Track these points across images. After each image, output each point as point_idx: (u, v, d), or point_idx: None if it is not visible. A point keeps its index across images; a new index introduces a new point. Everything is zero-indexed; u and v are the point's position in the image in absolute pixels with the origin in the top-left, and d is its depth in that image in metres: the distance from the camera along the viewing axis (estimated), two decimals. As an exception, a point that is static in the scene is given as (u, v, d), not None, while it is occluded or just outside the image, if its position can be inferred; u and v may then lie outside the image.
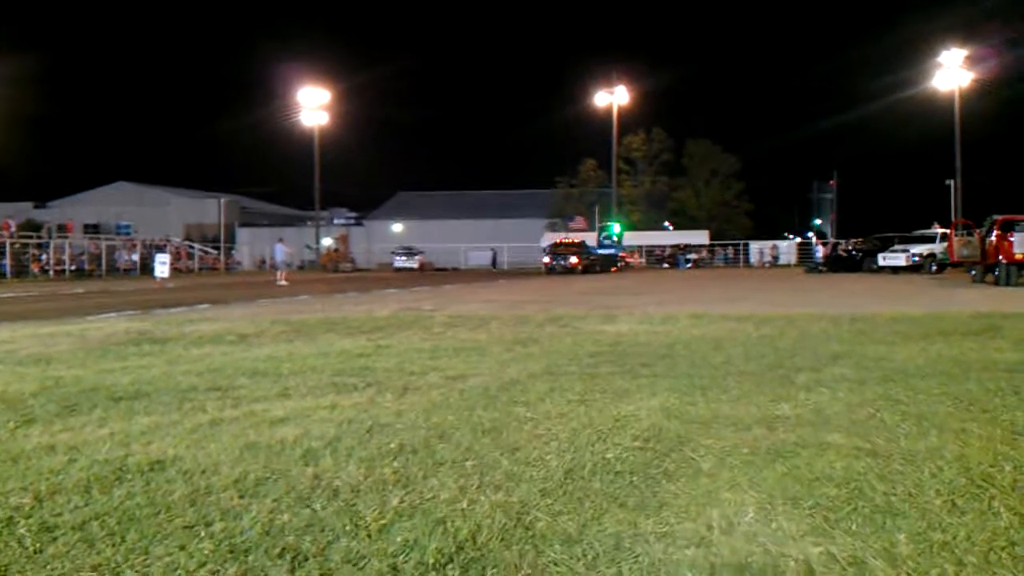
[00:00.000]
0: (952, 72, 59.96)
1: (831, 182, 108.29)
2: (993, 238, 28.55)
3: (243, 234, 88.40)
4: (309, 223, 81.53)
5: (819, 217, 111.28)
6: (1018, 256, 27.44)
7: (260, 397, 6.82)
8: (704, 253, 75.39)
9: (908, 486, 4.15)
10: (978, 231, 31.59)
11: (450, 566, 3.27)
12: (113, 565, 3.29)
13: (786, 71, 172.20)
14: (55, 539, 3.56)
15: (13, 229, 58.86)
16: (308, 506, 3.94)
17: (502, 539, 3.52)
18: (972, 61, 60.05)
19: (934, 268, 40.95)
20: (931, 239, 44.25)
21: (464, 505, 3.93)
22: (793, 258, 71.25)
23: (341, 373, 8.08)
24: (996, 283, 27.34)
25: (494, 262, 74.44)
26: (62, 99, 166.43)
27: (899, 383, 7.16)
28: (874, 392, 6.74)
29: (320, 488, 4.22)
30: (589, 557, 3.33)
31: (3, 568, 3.29)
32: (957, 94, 59.35)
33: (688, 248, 74.27)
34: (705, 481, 4.29)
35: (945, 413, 5.90)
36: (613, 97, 72.10)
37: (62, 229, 67.34)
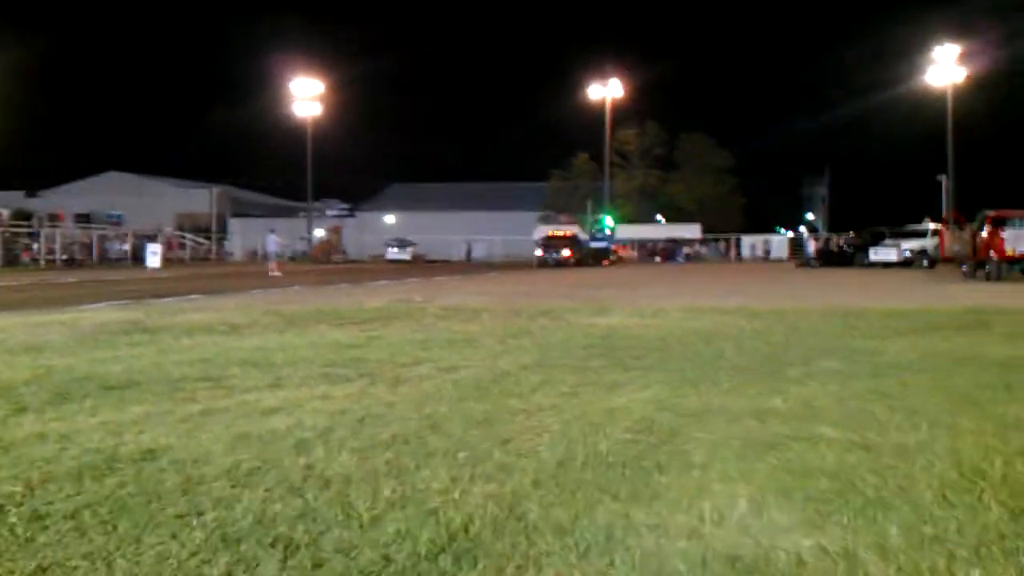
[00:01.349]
0: (946, 68, 60.02)
1: (823, 177, 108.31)
2: (984, 234, 28.67)
3: (235, 224, 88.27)
4: (302, 214, 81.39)
5: (811, 212, 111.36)
6: (1009, 252, 27.55)
7: (252, 387, 6.81)
8: (696, 247, 75.48)
9: (899, 479, 4.16)
10: (969, 227, 31.69)
11: (442, 556, 3.27)
12: (105, 554, 3.29)
13: (779, 66, 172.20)
14: (46, 527, 3.55)
15: (4, 218, 58.67)
16: (300, 496, 3.93)
17: (494, 530, 3.52)
18: (966, 57, 60.14)
19: (925, 263, 41.09)
20: (923, 234, 44.43)
21: (456, 496, 3.93)
22: (785, 252, 71.34)
23: (333, 364, 8.07)
24: (987, 279, 27.44)
25: (468, 255, 74.43)
26: (54, 88, 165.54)
27: (890, 377, 7.18)
28: (865, 386, 6.76)
29: (312, 478, 4.21)
30: (581, 548, 3.34)
31: (-6, 556, 3.28)
32: (950, 90, 59.42)
33: (683, 242, 74.37)
34: (697, 473, 4.30)
35: (936, 407, 5.92)
36: (607, 90, 72.06)
37: (53, 218, 67.09)
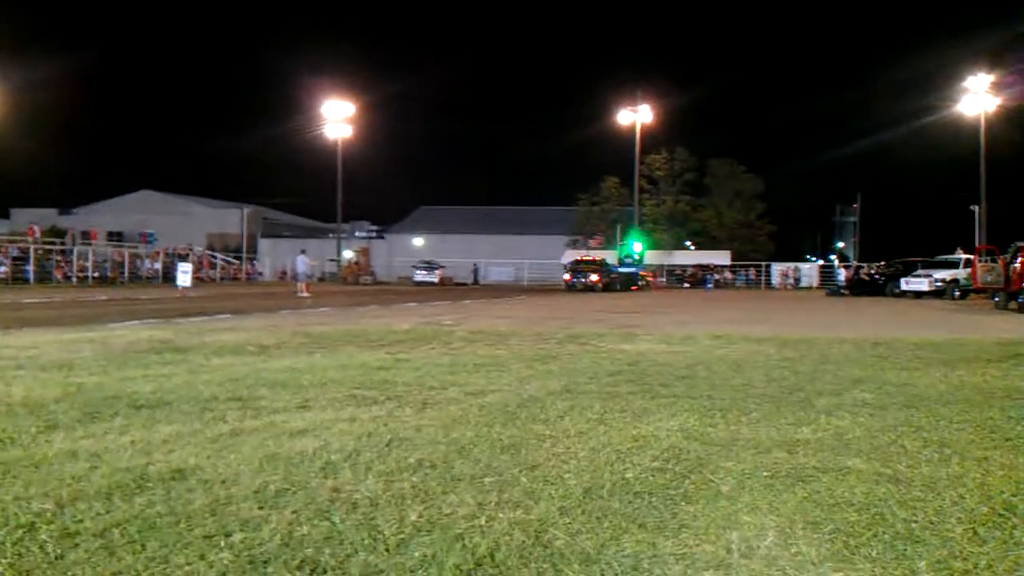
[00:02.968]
0: (978, 97, 59.70)
1: (854, 205, 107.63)
2: (1017, 265, 28.36)
3: (265, 244, 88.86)
4: (331, 235, 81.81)
5: (842, 240, 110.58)
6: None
7: (280, 408, 6.85)
8: (726, 274, 75.20)
9: (929, 513, 4.13)
10: (1002, 257, 31.38)
11: (468, 583, 3.27)
12: (133, 573, 3.31)
13: (811, 93, 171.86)
14: (76, 546, 3.58)
15: (37, 235, 59.35)
16: (327, 519, 3.95)
17: (520, 557, 3.51)
18: (998, 87, 59.78)
19: (957, 294, 40.71)
20: (954, 264, 43.97)
21: (482, 521, 3.93)
22: (815, 281, 70.98)
23: (361, 386, 8.10)
24: (1019, 310, 27.14)
25: (475, 278, 74.39)
26: (88, 107, 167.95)
27: (921, 409, 7.12)
28: (895, 418, 6.71)
29: (339, 501, 4.23)
30: (607, 577, 3.33)
31: (25, 573, 3.31)
32: (983, 119, 59.06)
33: (712, 268, 74.13)
34: (725, 503, 4.28)
35: (967, 440, 5.87)
36: (636, 115, 72.09)
37: (86, 236, 67.85)
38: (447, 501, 4.24)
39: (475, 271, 75.18)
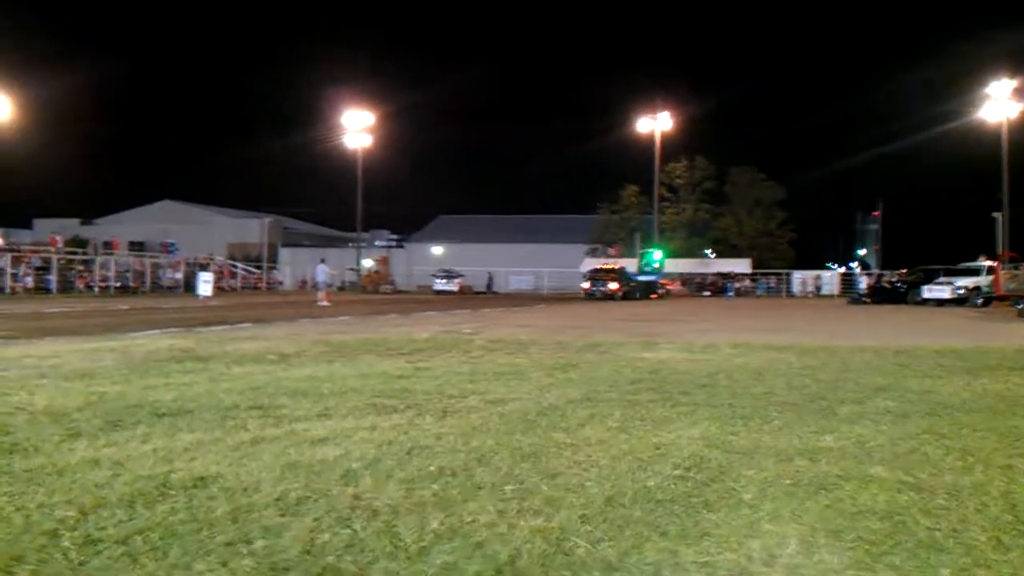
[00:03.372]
0: (1000, 103, 59.36)
1: (875, 213, 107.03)
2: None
3: (285, 254, 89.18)
4: (351, 244, 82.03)
5: (863, 248, 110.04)
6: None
7: (301, 416, 6.86)
8: (746, 282, 74.91)
9: (952, 521, 4.10)
10: (1025, 265, 31.21)
11: (489, 590, 3.26)
12: (155, 580, 3.33)
13: (831, 99, 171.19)
14: (99, 552, 3.60)
15: (60, 245, 59.76)
16: (348, 526, 3.95)
17: (541, 565, 3.51)
18: (1021, 92, 59.41)
19: (979, 301, 40.44)
20: (977, 272, 43.67)
21: (503, 529, 3.93)
22: (836, 289, 70.61)
23: (381, 394, 8.11)
24: (1043, 318, 26.95)
25: (490, 286, 74.29)
26: (109, 118, 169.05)
27: (944, 417, 7.07)
28: (918, 426, 6.67)
29: (360, 509, 4.23)
30: (629, 585, 3.32)
31: (48, 580, 3.33)
32: (1005, 126, 58.72)
33: (733, 277, 73.90)
34: (746, 512, 4.26)
35: (991, 448, 5.83)
36: (656, 123, 72.03)
37: (108, 246, 68.25)
38: (468, 509, 4.24)
39: (489, 280, 75.10)
